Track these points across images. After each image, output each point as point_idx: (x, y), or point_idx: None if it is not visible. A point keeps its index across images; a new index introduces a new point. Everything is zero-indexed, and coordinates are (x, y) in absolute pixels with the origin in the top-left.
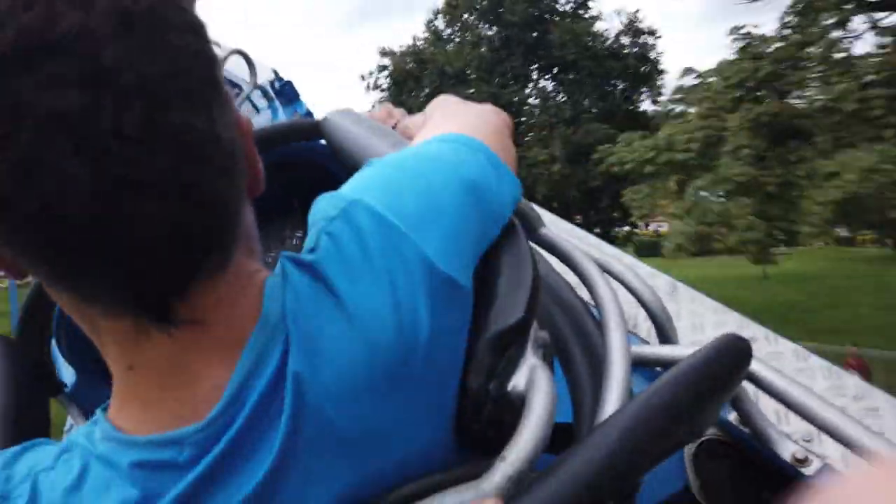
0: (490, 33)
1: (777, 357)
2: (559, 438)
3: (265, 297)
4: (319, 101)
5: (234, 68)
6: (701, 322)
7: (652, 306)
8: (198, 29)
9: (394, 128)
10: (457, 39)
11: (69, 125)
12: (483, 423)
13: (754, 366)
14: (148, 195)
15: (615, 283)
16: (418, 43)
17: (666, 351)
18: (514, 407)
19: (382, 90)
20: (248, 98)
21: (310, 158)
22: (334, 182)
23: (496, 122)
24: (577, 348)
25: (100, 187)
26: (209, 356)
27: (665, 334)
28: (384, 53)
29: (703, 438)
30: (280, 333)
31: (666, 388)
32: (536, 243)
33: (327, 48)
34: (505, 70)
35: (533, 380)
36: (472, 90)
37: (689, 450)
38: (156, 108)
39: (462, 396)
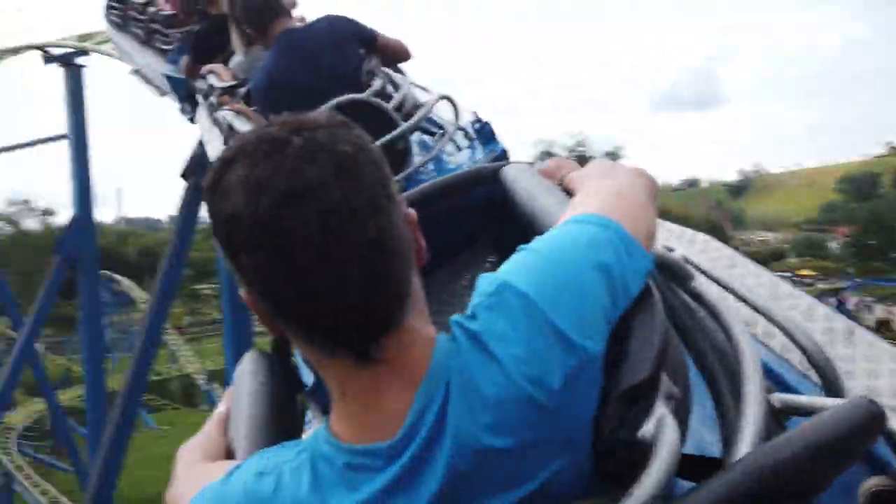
0: None
1: None
2: (703, 470)
3: (435, 349)
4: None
5: (437, 110)
6: (876, 369)
7: (812, 356)
8: (378, 161)
9: (561, 181)
10: None
11: (310, 242)
12: (616, 463)
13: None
14: (361, 281)
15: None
16: None
17: (804, 401)
18: (643, 451)
19: None
20: (452, 139)
21: (496, 199)
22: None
23: (638, 191)
24: (725, 387)
25: (331, 280)
26: (395, 389)
27: (827, 381)
28: None
29: (874, 488)
30: (443, 380)
31: (787, 446)
32: (688, 295)
33: None
34: None
35: (660, 428)
36: None
37: (862, 499)
38: (359, 224)
39: (597, 440)
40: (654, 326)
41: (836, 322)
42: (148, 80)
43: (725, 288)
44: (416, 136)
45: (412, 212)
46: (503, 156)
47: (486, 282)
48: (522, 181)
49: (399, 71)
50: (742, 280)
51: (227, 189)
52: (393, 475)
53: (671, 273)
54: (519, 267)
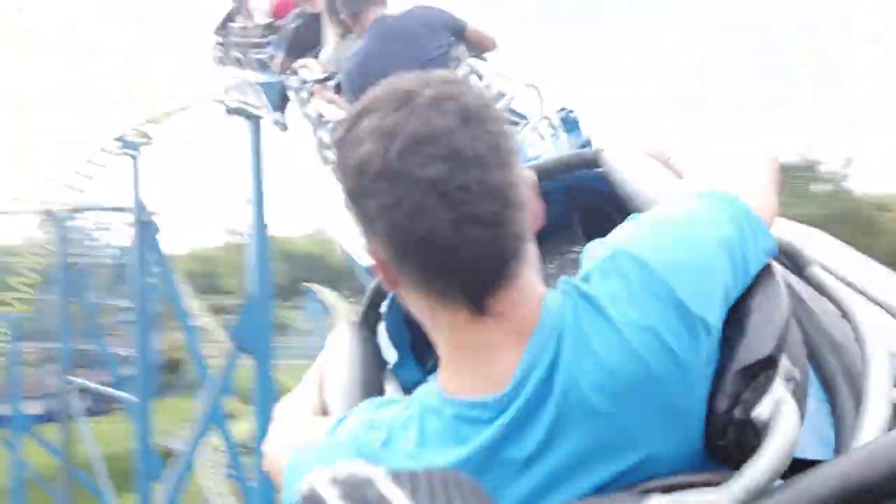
0: None
1: None
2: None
3: (543, 306)
4: None
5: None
6: None
7: None
8: (502, 120)
9: (667, 162)
10: None
11: (436, 185)
12: (728, 443)
13: None
14: (482, 226)
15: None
16: None
17: None
18: (757, 432)
19: None
20: (535, 127)
21: (589, 184)
22: (608, 206)
23: (762, 174)
24: (843, 387)
25: (454, 222)
26: (506, 343)
27: None
28: None
29: None
30: (555, 335)
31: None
32: (806, 282)
33: None
34: None
35: (778, 410)
36: None
37: None
38: (483, 171)
39: (709, 417)
40: (776, 305)
41: None
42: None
43: (849, 285)
44: None
45: (532, 174)
46: (587, 145)
47: (598, 248)
48: (628, 162)
49: (483, 60)
50: (869, 279)
51: (358, 138)
52: (500, 428)
53: (789, 259)
54: (634, 235)
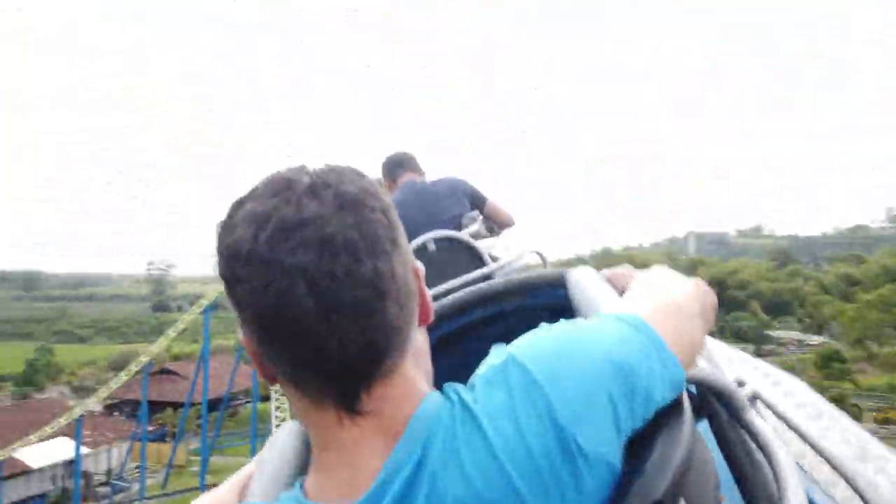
0: None
1: None
2: None
3: (421, 408)
4: None
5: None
6: None
7: (847, 476)
8: (386, 208)
9: (623, 289)
10: None
11: (304, 272)
12: None
13: None
14: (350, 317)
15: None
16: None
17: None
18: None
19: None
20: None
21: (557, 305)
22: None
23: (689, 304)
24: None
25: (321, 312)
26: (373, 445)
27: (861, 497)
28: None
29: None
30: (423, 443)
31: None
32: (741, 427)
33: None
34: None
35: None
36: None
37: None
38: (355, 259)
39: None
40: (677, 445)
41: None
42: None
43: (799, 434)
44: None
45: (420, 265)
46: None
47: (497, 353)
48: (585, 285)
49: (497, 235)
50: (825, 431)
51: (233, 224)
52: None
53: (723, 400)
54: (533, 343)
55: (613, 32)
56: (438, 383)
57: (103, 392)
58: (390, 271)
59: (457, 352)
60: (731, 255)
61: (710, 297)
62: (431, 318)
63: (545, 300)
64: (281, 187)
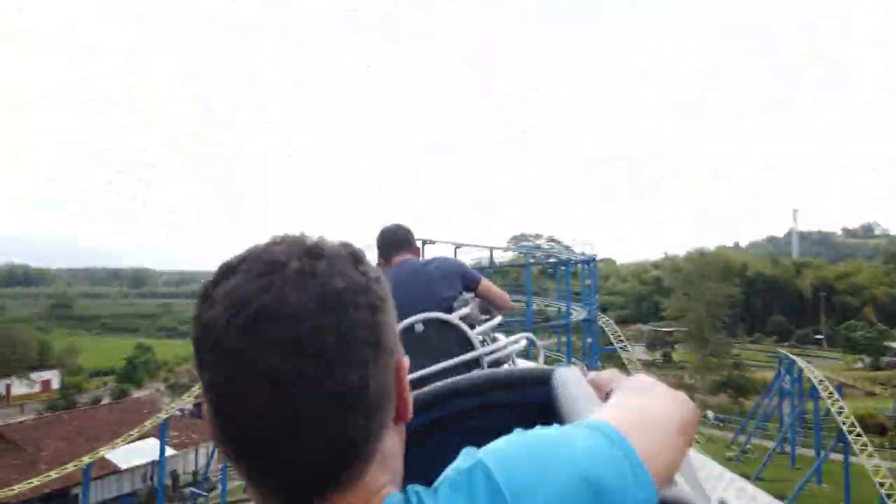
0: None
1: None
2: None
3: None
4: None
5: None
6: None
7: None
8: (374, 305)
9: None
10: None
11: (269, 373)
12: None
13: None
14: (309, 429)
15: None
16: None
17: None
18: None
19: None
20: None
21: (541, 401)
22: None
23: (670, 417)
24: None
25: (279, 420)
26: None
27: None
28: None
29: None
30: None
31: None
32: None
33: None
34: None
35: None
36: None
37: None
38: (326, 367)
39: None
40: None
41: None
42: None
43: None
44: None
45: (405, 360)
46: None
47: (464, 456)
48: (568, 386)
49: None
50: None
51: (214, 297)
52: None
53: None
54: (504, 450)
55: (613, 32)
56: (411, 476)
57: (196, 390)
58: (362, 382)
59: (432, 444)
60: (839, 257)
61: (692, 411)
62: (409, 417)
63: (530, 397)
64: (268, 268)
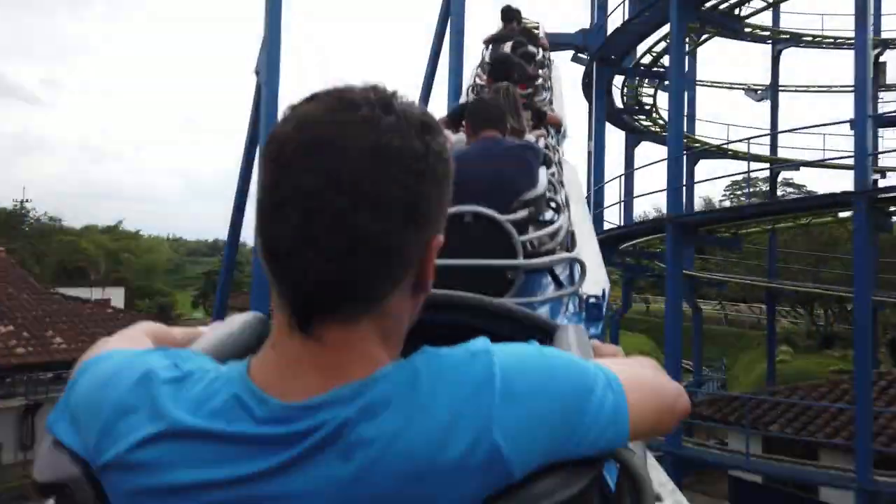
0: None
1: None
2: None
3: (381, 372)
4: None
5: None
6: None
7: None
8: (422, 173)
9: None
10: None
11: (303, 193)
12: None
13: None
14: (318, 254)
15: None
16: None
17: None
18: None
19: None
20: (565, 300)
21: None
22: None
23: (666, 394)
24: None
25: (299, 237)
26: (315, 371)
27: None
28: None
29: None
30: (362, 401)
31: None
32: None
33: None
34: None
35: None
36: None
37: None
38: (353, 207)
39: None
40: (570, 483)
41: None
42: None
43: None
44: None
45: (440, 237)
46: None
47: (478, 342)
48: (570, 343)
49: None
50: None
51: (290, 117)
52: (260, 431)
53: (634, 487)
54: (515, 354)
55: None
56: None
57: None
58: (383, 231)
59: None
60: None
61: (686, 403)
62: (428, 290)
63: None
64: (341, 105)
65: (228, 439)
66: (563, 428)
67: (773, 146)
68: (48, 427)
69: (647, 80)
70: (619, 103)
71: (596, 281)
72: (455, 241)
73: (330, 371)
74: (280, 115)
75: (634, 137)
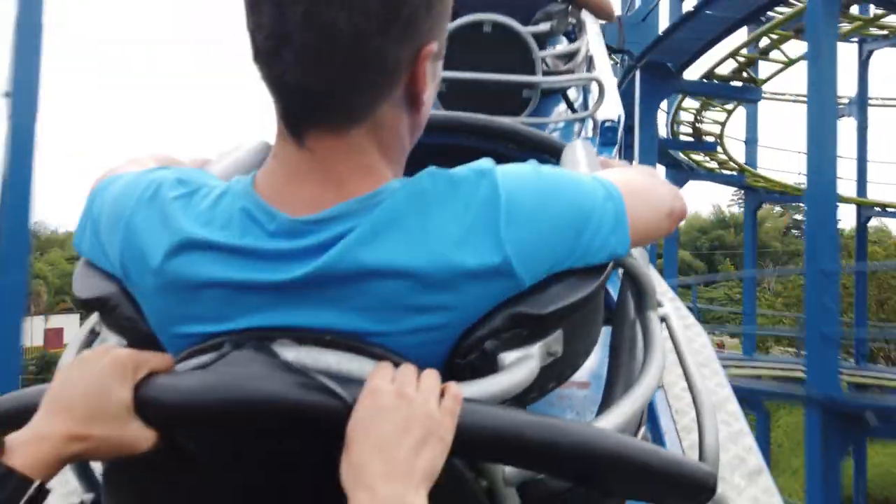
0: None
1: None
2: None
3: (388, 186)
4: None
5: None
6: None
7: (706, 450)
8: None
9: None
10: None
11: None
12: (465, 364)
13: None
14: (296, 52)
15: None
16: None
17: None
18: (493, 370)
19: None
20: (581, 121)
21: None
22: None
23: (664, 198)
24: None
25: (275, 34)
26: (314, 183)
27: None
28: None
29: None
30: (368, 215)
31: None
32: (640, 320)
33: None
34: None
35: (518, 362)
36: None
37: None
38: (348, 12)
39: (463, 337)
40: (578, 288)
41: (753, 457)
42: None
43: (682, 366)
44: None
45: (432, 47)
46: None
47: (481, 162)
48: (578, 159)
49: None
50: (703, 377)
51: None
52: (273, 246)
53: (637, 291)
54: (518, 174)
55: None
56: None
57: None
58: (355, 34)
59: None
60: None
61: (683, 206)
62: (421, 107)
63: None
64: None
65: (241, 252)
66: (567, 242)
67: (861, 182)
68: (75, 247)
69: (715, 101)
70: (661, 132)
71: (612, 105)
72: (471, 54)
73: (329, 183)
74: None
75: (681, 175)
